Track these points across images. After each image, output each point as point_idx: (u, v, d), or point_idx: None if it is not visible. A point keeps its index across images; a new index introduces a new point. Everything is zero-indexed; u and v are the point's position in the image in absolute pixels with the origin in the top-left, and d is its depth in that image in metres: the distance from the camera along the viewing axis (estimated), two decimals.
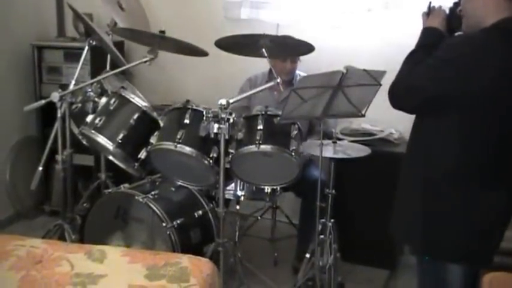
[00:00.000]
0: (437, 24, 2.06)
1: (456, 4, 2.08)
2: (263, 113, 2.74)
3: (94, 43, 3.06)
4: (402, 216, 2.11)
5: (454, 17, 2.07)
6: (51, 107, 2.84)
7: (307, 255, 2.84)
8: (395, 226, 2.15)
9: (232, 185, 3.02)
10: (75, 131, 2.98)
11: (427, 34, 2.07)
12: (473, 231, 1.96)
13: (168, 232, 2.71)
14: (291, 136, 2.72)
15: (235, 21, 3.72)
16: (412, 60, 2.01)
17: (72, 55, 3.74)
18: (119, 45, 3.70)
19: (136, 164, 2.87)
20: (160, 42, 2.87)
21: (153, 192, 2.84)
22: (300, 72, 3.39)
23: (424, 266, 2.09)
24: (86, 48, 3.05)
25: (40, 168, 2.82)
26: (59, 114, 2.82)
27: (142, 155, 2.86)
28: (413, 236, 2.07)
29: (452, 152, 1.93)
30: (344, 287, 2.98)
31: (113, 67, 3.22)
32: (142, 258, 1.94)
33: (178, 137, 2.68)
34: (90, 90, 2.98)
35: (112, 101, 2.87)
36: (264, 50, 2.65)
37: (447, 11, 2.10)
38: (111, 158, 2.99)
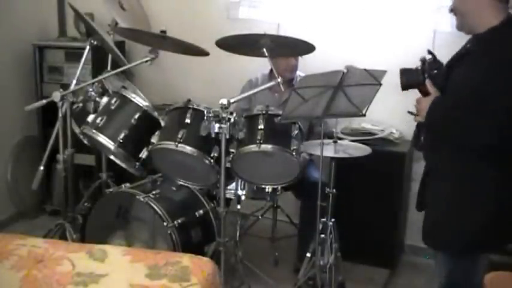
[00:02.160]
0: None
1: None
2: (264, 112, 2.74)
3: (95, 43, 3.06)
4: (433, 218, 2.12)
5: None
6: (52, 107, 2.84)
7: (308, 255, 2.84)
8: (427, 230, 2.16)
9: (233, 184, 3.02)
10: (77, 130, 2.99)
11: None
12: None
13: (169, 231, 2.72)
14: (291, 136, 2.73)
15: (236, 21, 3.72)
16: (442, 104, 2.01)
17: (73, 55, 3.73)
18: (120, 45, 3.70)
19: (137, 163, 2.88)
20: (161, 42, 2.88)
21: (154, 192, 2.84)
22: (300, 73, 3.39)
23: (451, 259, 2.09)
24: (87, 48, 3.05)
25: (41, 168, 2.82)
26: (60, 114, 2.82)
27: (144, 154, 2.86)
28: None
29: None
30: (344, 286, 2.98)
31: (114, 67, 3.22)
32: (143, 257, 1.95)
33: (179, 136, 2.68)
34: (91, 89, 2.97)
35: (113, 101, 2.88)
36: (264, 49, 2.65)
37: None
38: (112, 157, 3.00)
